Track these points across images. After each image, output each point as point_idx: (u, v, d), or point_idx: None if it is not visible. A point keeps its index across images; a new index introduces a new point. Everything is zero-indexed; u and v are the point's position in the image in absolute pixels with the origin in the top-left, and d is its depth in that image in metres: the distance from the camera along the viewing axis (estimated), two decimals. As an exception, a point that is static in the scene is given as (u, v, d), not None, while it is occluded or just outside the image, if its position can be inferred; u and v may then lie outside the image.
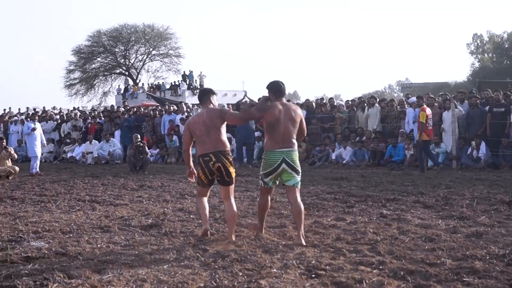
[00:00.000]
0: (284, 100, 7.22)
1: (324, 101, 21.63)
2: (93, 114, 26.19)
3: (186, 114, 21.46)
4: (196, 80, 51.46)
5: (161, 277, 5.41)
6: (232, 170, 7.11)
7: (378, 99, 20.04)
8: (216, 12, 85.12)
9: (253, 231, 7.45)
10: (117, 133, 22.35)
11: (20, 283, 5.22)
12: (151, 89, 50.41)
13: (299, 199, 7.03)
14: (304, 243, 6.71)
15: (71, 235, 7.57)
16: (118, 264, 5.92)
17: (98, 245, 6.86)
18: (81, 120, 25.01)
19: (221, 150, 7.05)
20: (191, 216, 8.83)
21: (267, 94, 7.24)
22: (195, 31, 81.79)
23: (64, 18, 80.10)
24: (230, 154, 7.21)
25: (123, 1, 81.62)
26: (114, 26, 59.08)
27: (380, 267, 5.65)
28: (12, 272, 5.62)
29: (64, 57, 70.74)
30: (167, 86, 52.20)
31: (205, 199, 7.43)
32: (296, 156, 7.05)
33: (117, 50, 59.81)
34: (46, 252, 6.48)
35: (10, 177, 15.24)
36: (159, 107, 25.87)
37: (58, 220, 8.64)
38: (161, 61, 60.65)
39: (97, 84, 60.23)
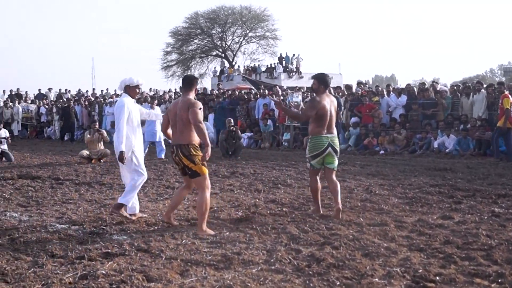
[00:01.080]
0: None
1: (426, 86, 20.44)
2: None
3: (281, 97, 20.85)
4: (292, 62, 50.86)
5: (249, 284, 4.87)
6: (190, 165, 6.97)
7: (484, 85, 18.69)
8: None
9: (315, 214, 7.91)
10: (211, 116, 22.06)
11: (95, 286, 4.82)
12: (247, 72, 50.18)
13: (334, 178, 8.02)
14: (340, 216, 7.60)
15: (155, 227, 7.17)
16: (203, 266, 5.44)
17: (183, 241, 6.40)
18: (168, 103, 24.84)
19: (181, 143, 7.00)
20: (284, 209, 8.26)
21: (315, 84, 8.02)
22: (292, 13, 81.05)
23: (163, 0, 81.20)
24: (193, 148, 6.99)
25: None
26: (212, 8, 59.29)
27: (499, 280, 4.89)
28: (89, 272, 5.21)
29: (162, 39, 71.71)
30: (263, 69, 51.87)
31: (181, 189, 7.64)
32: (337, 141, 8.11)
33: (214, 32, 59.98)
34: (127, 248, 6.08)
35: (102, 160, 15.18)
36: (254, 91, 25.43)
37: (144, 210, 8.28)
38: (257, 43, 60.40)
39: (193, 66, 60.67)
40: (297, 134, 19.72)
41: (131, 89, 8.06)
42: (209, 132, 20.52)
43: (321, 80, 7.97)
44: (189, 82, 7.32)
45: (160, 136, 15.97)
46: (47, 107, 29.11)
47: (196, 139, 6.99)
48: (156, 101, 19.26)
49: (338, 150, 8.07)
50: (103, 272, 5.21)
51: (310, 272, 5.20)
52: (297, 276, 5.09)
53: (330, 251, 5.86)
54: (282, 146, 19.67)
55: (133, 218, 7.69)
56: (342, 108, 18.62)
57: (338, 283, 4.89)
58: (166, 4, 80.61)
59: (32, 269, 5.36)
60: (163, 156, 16.01)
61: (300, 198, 9.18)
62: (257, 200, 9.02)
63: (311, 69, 51.54)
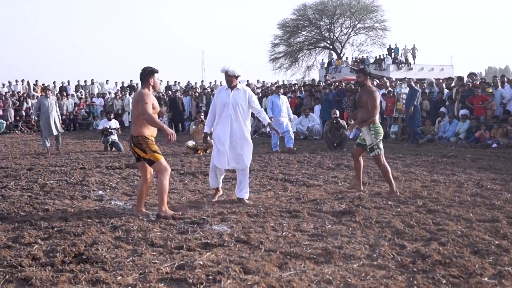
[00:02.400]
0: None
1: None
2: (293, 88, 25.86)
3: (389, 89, 20.33)
4: (401, 54, 49.61)
5: (349, 279, 4.64)
6: (142, 155, 7.25)
7: None
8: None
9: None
10: (317, 107, 21.79)
11: (191, 276, 4.73)
12: (355, 63, 49.38)
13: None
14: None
15: (256, 219, 7.04)
16: (302, 259, 5.26)
17: (284, 233, 6.24)
18: (281, 94, 24.71)
19: (133, 135, 7.29)
20: (389, 202, 7.92)
21: (360, 78, 8.91)
22: (402, 3, 78.91)
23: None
24: (143, 140, 7.23)
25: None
26: (320, -1, 58.68)
27: None
28: (186, 262, 5.15)
29: (270, 31, 71.92)
30: (372, 60, 50.92)
31: (140, 181, 7.80)
32: None
33: (322, 23, 59.37)
34: (227, 239, 5.99)
35: (207, 151, 15.26)
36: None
37: (247, 198, 8.19)
38: (366, 34, 59.23)
39: (301, 58, 60.38)
40: (405, 126, 19.07)
41: (225, 77, 8.37)
42: (315, 123, 20.30)
43: (366, 73, 8.97)
44: (143, 75, 7.36)
45: (287, 124, 15.94)
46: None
47: (146, 132, 7.23)
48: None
49: None
50: (201, 262, 5.14)
51: (415, 269, 4.91)
52: (401, 273, 4.82)
53: (436, 247, 5.52)
54: (390, 139, 19.06)
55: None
56: (418, 99, 18.02)
57: (444, 281, 4.57)
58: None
59: (131, 258, 5.36)
60: (291, 146, 15.84)
61: (407, 191, 8.80)
62: (361, 193, 8.72)
63: (421, 61, 50.18)
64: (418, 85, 19.85)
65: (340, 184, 9.69)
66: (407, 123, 18.50)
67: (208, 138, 8.83)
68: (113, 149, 16.85)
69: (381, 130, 8.84)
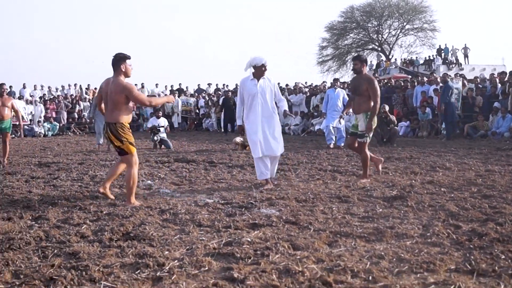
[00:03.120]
0: None
1: None
2: (341, 86, 25.60)
3: (440, 85, 19.93)
4: (451, 54, 48.81)
5: (402, 255, 4.47)
6: (117, 143, 7.17)
7: None
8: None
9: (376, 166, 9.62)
10: (366, 105, 21.51)
11: (239, 251, 4.64)
12: (404, 64, 48.83)
13: None
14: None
15: (305, 204, 6.91)
16: (353, 237, 5.11)
17: (333, 216, 6.10)
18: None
19: (110, 122, 7.16)
20: (442, 189, 7.69)
21: (357, 65, 8.85)
22: (452, 3, 77.45)
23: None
24: (120, 127, 7.15)
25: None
26: (367, 1, 58.10)
27: None
28: (234, 239, 5.07)
29: (317, 34, 71.55)
30: (421, 61, 50.26)
31: (117, 163, 7.86)
32: None
33: (369, 25, 58.91)
34: (275, 220, 5.89)
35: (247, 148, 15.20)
36: (411, 78, 24.53)
37: (295, 189, 8.07)
38: (415, 35, 58.51)
39: (349, 60, 59.88)
40: (456, 122, 18.66)
41: (256, 69, 8.55)
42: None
43: (363, 60, 8.98)
44: (114, 61, 7.18)
45: (340, 121, 15.41)
46: (205, 100, 29.98)
47: (124, 119, 7.18)
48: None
49: None
50: (248, 239, 5.05)
51: (471, 246, 4.71)
52: (456, 250, 4.62)
53: (493, 227, 5.31)
54: (441, 135, 18.67)
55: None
56: (452, 95, 17.63)
57: (503, 256, 4.36)
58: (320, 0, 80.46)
59: (178, 236, 5.32)
60: (342, 144, 15.38)
61: (460, 180, 8.54)
62: (413, 181, 8.51)
63: (472, 61, 49.20)
64: (458, 81, 19.45)
65: (390, 174, 9.47)
66: (442, 118, 18.19)
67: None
68: (162, 146, 16.95)
69: (376, 120, 8.97)
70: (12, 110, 13.31)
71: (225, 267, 4.29)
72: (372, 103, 8.71)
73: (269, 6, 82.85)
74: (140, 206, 6.91)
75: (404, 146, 15.15)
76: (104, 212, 6.57)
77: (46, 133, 26.34)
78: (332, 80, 15.44)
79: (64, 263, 4.49)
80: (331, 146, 15.38)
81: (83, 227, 5.79)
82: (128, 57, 7.22)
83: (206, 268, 4.28)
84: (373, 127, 8.86)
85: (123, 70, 7.14)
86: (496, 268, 4.05)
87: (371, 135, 8.98)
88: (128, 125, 7.29)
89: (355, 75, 9.12)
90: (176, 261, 4.45)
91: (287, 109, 8.98)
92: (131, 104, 7.29)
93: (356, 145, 9.09)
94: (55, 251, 4.89)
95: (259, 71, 8.56)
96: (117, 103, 7.10)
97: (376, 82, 8.80)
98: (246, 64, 8.62)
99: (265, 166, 8.54)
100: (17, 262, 4.55)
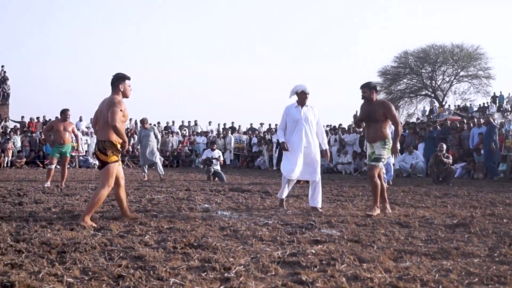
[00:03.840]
0: None
1: None
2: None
3: (498, 127, 19.65)
4: (506, 101, 48.09)
5: (471, 269, 4.40)
6: (102, 157, 7.13)
7: None
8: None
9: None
10: (421, 146, 21.33)
11: (304, 260, 4.65)
12: (458, 111, 48.26)
13: None
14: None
15: (365, 227, 6.86)
16: (418, 254, 5.06)
17: (395, 237, 6.04)
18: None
19: (99, 139, 7.18)
20: (504, 220, 7.54)
21: (366, 92, 8.50)
22: (508, 50, 76.75)
23: (371, 41, 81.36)
24: (109, 145, 7.11)
25: (431, 21, 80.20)
26: (422, 46, 57.77)
27: None
28: (298, 251, 5.08)
29: (370, 78, 72.05)
30: (475, 108, 49.58)
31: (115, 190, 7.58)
32: None
33: (423, 71, 58.47)
34: (336, 238, 5.87)
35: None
36: (467, 120, 24.24)
37: (353, 215, 8.03)
38: (469, 82, 57.72)
39: (401, 105, 59.50)
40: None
41: (298, 95, 9.03)
42: (419, 161, 19.83)
43: (371, 87, 8.54)
44: (114, 80, 7.20)
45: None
46: (258, 138, 30.16)
47: (113, 137, 7.07)
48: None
49: None
50: (313, 251, 5.06)
51: (542, 265, 4.60)
52: (527, 268, 4.52)
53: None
54: (497, 177, 18.32)
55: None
56: (496, 135, 17.49)
57: None
58: (375, 44, 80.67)
59: (242, 247, 5.34)
60: (389, 179, 15.17)
61: (523, 213, 8.37)
62: (473, 213, 8.36)
63: (528, 109, 48.31)
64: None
65: (449, 207, 9.31)
66: (484, 159, 18.02)
67: None
68: (216, 179, 17.06)
69: (390, 148, 8.57)
70: (73, 134, 13.73)
71: (292, 273, 4.30)
72: (388, 129, 8.51)
73: (321, 51, 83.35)
74: (91, 227, 6.59)
75: (460, 186, 14.91)
76: (165, 227, 6.65)
77: (101, 164, 26.80)
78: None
79: (131, 264, 4.57)
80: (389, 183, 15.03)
81: (146, 237, 5.87)
82: (128, 78, 7.27)
83: (273, 273, 4.30)
84: (388, 155, 8.55)
85: (122, 89, 7.18)
86: None
87: (384, 162, 8.60)
88: (119, 145, 7.19)
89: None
90: (242, 266, 4.48)
91: (327, 148, 9.29)
92: (123, 124, 7.25)
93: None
94: (121, 254, 5.00)
95: (301, 97, 9.01)
96: (107, 120, 7.02)
97: (393, 106, 8.56)
98: (290, 92, 9.11)
99: (289, 188, 9.25)
100: (84, 262, 4.65)
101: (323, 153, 9.15)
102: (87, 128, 30.18)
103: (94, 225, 6.71)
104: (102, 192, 7.02)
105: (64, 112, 13.62)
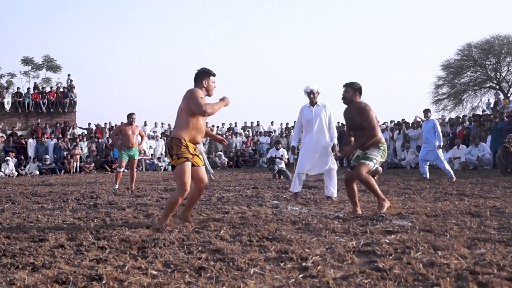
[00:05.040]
0: None
1: None
2: (461, 119, 25.13)
3: None
4: None
5: (548, 254, 4.40)
6: (171, 160, 6.69)
7: None
8: None
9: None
10: (488, 138, 20.96)
11: (379, 249, 4.75)
12: (524, 101, 47.03)
13: None
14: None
15: (436, 218, 6.87)
16: (492, 242, 5.09)
17: (468, 226, 6.05)
18: (448, 125, 24.31)
19: (171, 137, 6.70)
20: None
21: (348, 93, 7.62)
22: None
23: (434, 34, 79.94)
24: (176, 144, 6.55)
25: (497, 12, 78.41)
26: (485, 38, 56.52)
27: None
28: (372, 241, 5.18)
29: (432, 72, 70.67)
30: (542, 99, 48.25)
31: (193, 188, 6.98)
32: None
33: (487, 63, 57.13)
34: (409, 228, 5.93)
35: (375, 177, 15.13)
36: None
37: (423, 207, 8.04)
38: (535, 73, 56.20)
39: (465, 99, 58.34)
40: None
41: (307, 96, 9.66)
42: (485, 153, 19.50)
43: (356, 88, 7.63)
44: (197, 76, 6.80)
45: (440, 154, 14.61)
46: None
47: (184, 135, 6.57)
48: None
49: None
50: (387, 241, 5.15)
51: None
52: None
53: None
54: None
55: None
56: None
57: None
58: (437, 37, 79.30)
59: (316, 238, 5.47)
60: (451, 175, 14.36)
61: None
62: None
63: None
64: None
65: (520, 198, 9.21)
66: None
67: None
68: (281, 177, 17.20)
69: (385, 154, 7.68)
70: (139, 136, 14.13)
71: (368, 261, 4.40)
72: (379, 133, 7.58)
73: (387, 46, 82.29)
74: (172, 229, 6.31)
75: (531, 177, 14.64)
76: (238, 222, 6.82)
77: (167, 167, 27.32)
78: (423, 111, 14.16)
79: (210, 257, 4.75)
80: (425, 176, 14.75)
81: (221, 232, 6.06)
82: (213, 74, 6.85)
83: (349, 262, 4.40)
84: (383, 158, 7.70)
85: (205, 86, 6.75)
86: None
87: (378, 165, 7.62)
88: (191, 145, 6.62)
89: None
90: (318, 256, 4.60)
91: (335, 142, 9.70)
92: (200, 121, 6.67)
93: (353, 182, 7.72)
94: (199, 248, 5.18)
95: (309, 97, 9.66)
96: (180, 115, 6.62)
97: (368, 108, 7.41)
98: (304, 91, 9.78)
99: (300, 181, 9.84)
100: (165, 256, 4.86)
101: (333, 148, 9.60)
102: (152, 132, 30.79)
103: (170, 229, 6.33)
104: (176, 197, 6.53)
105: (130, 116, 14.01)
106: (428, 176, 14.64)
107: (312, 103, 9.64)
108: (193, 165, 6.66)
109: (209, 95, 6.85)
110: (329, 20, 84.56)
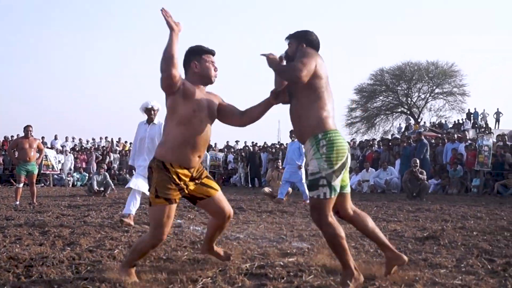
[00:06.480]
0: None
1: None
2: (371, 143, 25.70)
3: (469, 142, 19.93)
4: (480, 118, 48.67)
5: (437, 279, 4.45)
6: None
7: None
8: (503, 49, 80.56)
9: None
10: (397, 162, 21.48)
11: (272, 272, 4.68)
12: (433, 127, 48.71)
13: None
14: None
15: (337, 239, 6.88)
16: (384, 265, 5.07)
17: (365, 250, 6.10)
18: (358, 148, 24.81)
19: (155, 156, 4.67)
20: (474, 233, 7.60)
21: (292, 46, 4.60)
22: (482, 67, 77.85)
23: (348, 59, 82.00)
24: (155, 168, 4.48)
25: (407, 39, 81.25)
26: (397, 64, 58.41)
27: None
28: (267, 263, 5.11)
29: (346, 95, 72.23)
30: (450, 125, 50.08)
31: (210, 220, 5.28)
32: None
33: (399, 88, 58.95)
34: (306, 251, 5.90)
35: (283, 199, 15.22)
36: (441, 136, 24.57)
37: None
38: (444, 99, 58.23)
39: (377, 123, 59.92)
40: (487, 180, 18.59)
41: (146, 112, 9.04)
42: (393, 176, 19.97)
43: (308, 40, 4.58)
44: (184, 60, 4.70)
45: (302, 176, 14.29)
46: (234, 155, 30.19)
47: (165, 154, 4.45)
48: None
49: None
50: (281, 263, 5.09)
51: (506, 275, 4.67)
52: (491, 277, 4.59)
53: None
54: (471, 192, 18.60)
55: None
56: (426, 153, 18.89)
57: (540, 284, 4.32)
58: (351, 62, 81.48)
59: (211, 259, 5.35)
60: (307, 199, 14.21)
61: (492, 226, 8.43)
62: (444, 226, 8.43)
63: (502, 126, 48.88)
64: (488, 138, 19.60)
65: (421, 221, 9.36)
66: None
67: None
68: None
69: (342, 147, 4.21)
70: (38, 150, 13.58)
71: (259, 284, 4.32)
72: (316, 112, 4.24)
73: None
74: (133, 282, 4.35)
75: (433, 201, 15.02)
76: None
77: (75, 183, 26.60)
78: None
79: (97, 277, 4.54)
80: (283, 199, 14.31)
81: (115, 251, 5.85)
82: (208, 51, 4.67)
83: (240, 285, 4.30)
84: (333, 165, 4.15)
85: (197, 70, 4.63)
86: (533, 292, 4.02)
87: (336, 182, 4.18)
88: (183, 171, 4.51)
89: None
90: (209, 278, 4.48)
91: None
92: (197, 129, 4.51)
93: (348, 208, 4.72)
94: (88, 267, 4.98)
95: (147, 114, 9.05)
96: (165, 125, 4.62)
97: (307, 49, 4.46)
98: (140, 107, 9.08)
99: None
100: (50, 275, 4.67)
101: None
102: (62, 146, 29.98)
103: (135, 280, 4.43)
104: (145, 243, 4.52)
105: (26, 128, 13.41)
106: (284, 198, 14.26)
107: (149, 120, 9.08)
108: (200, 198, 4.82)
109: (207, 81, 4.68)
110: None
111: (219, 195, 4.91)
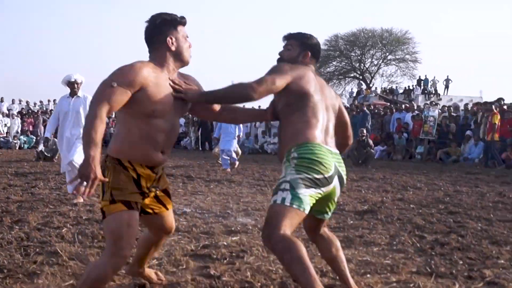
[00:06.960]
0: None
1: None
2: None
3: (416, 112, 20.51)
4: (430, 85, 49.58)
5: (368, 258, 4.76)
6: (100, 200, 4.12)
7: None
8: (453, 17, 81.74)
9: None
10: (346, 130, 21.95)
11: (216, 253, 4.91)
12: (384, 93, 49.44)
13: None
14: None
15: (280, 215, 7.16)
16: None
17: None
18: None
19: (108, 153, 3.60)
20: (411, 205, 8.01)
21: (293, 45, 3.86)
22: (435, 36, 78.97)
23: (303, 23, 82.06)
24: (111, 164, 3.41)
25: (362, 5, 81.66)
26: (352, 30, 58.77)
27: None
28: (211, 243, 5.35)
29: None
30: (400, 91, 50.89)
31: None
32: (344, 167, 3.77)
33: (352, 54, 59.49)
34: (250, 227, 6.16)
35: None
36: (390, 105, 25.14)
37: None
38: (396, 65, 59.07)
39: (330, 87, 60.30)
40: (431, 147, 19.29)
41: (68, 85, 8.69)
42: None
43: (310, 45, 3.88)
44: (151, 33, 3.48)
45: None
46: (184, 120, 30.23)
47: (122, 150, 3.40)
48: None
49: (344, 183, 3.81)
50: (225, 243, 5.32)
51: (433, 253, 5.05)
52: (419, 256, 4.95)
53: (455, 238, 5.68)
54: (415, 159, 19.32)
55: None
56: (368, 123, 18.87)
57: (461, 262, 4.72)
58: (305, 27, 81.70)
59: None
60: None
61: (429, 198, 8.89)
62: (384, 198, 8.82)
63: (451, 93, 49.91)
64: (434, 109, 20.18)
65: (363, 192, 9.74)
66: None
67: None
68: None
69: (323, 162, 3.40)
70: None
71: (202, 266, 4.54)
72: (294, 127, 3.53)
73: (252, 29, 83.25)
74: None
75: (378, 168, 15.52)
76: (84, 218, 6.74)
77: (22, 145, 26.29)
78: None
79: (46, 260, 4.67)
80: (228, 169, 14.17)
81: (63, 230, 5.96)
82: (181, 22, 3.51)
83: (184, 267, 4.51)
84: (312, 173, 3.34)
85: (171, 45, 3.45)
86: (454, 271, 4.38)
87: (305, 193, 3.28)
88: (144, 170, 3.45)
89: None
90: (155, 260, 4.68)
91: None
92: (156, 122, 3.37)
93: (317, 230, 3.97)
94: (37, 249, 5.06)
95: (70, 88, 8.72)
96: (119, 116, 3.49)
97: (281, 63, 3.72)
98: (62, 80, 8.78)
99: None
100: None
101: None
102: (8, 110, 29.56)
103: None
104: (102, 267, 3.30)
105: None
106: (228, 168, 14.19)
107: (73, 94, 8.76)
108: (146, 213, 3.70)
109: (184, 62, 3.57)
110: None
111: (169, 213, 3.90)
